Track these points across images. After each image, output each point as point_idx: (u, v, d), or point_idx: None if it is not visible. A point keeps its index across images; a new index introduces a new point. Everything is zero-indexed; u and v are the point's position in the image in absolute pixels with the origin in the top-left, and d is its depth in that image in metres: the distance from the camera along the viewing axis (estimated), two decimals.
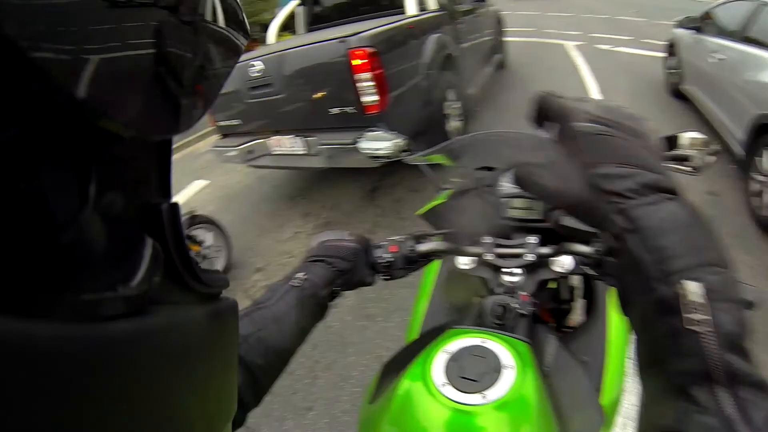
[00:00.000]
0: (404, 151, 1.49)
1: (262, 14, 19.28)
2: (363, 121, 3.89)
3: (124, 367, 0.24)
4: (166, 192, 0.33)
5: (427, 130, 4.32)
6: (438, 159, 1.52)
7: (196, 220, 4.26)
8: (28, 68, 0.18)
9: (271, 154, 4.77)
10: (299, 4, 6.37)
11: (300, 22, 6.63)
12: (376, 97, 3.79)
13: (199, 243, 4.26)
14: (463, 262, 1.09)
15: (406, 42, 4.22)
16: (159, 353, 0.27)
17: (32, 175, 0.20)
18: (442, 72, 4.65)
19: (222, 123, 5.17)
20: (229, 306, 0.37)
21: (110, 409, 0.23)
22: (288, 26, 6.82)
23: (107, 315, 0.24)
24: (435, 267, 1.37)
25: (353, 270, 1.00)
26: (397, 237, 1.09)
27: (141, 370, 0.25)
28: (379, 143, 1.51)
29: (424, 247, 1.08)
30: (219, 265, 4.48)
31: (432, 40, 4.60)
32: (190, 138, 10.40)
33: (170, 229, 0.31)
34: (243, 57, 4.42)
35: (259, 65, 4.34)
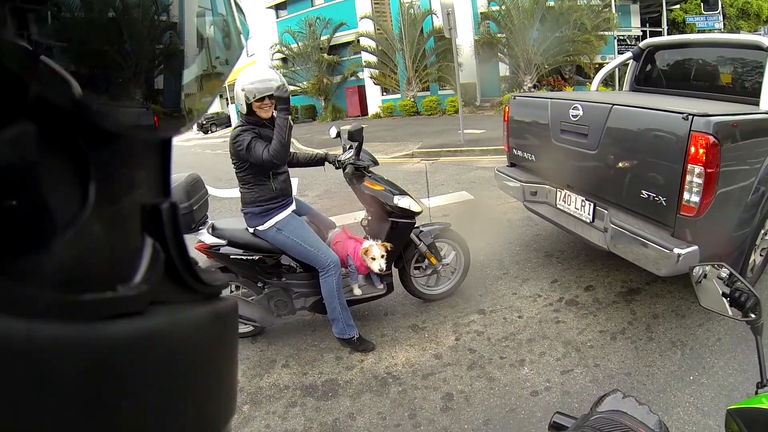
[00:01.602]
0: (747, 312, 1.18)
1: (580, 56, 19.00)
2: (670, 219, 3.28)
3: (124, 367, 0.24)
4: (166, 192, 0.33)
5: (728, 255, 3.51)
6: None
7: (447, 233, 4.11)
8: (32, 68, 0.20)
9: (554, 206, 4.38)
10: (630, 58, 5.73)
11: (625, 78, 5.98)
12: (698, 199, 3.10)
13: (440, 257, 4.10)
14: None
15: (750, 142, 3.39)
16: (159, 353, 0.27)
17: (32, 175, 0.21)
18: None
19: (515, 151, 4.92)
20: (229, 306, 0.37)
21: (111, 408, 0.24)
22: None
23: (107, 315, 0.24)
24: None
25: None
26: None
27: (141, 370, 0.26)
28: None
29: None
30: (446, 286, 4.30)
31: None
32: (474, 149, 10.57)
33: (170, 229, 0.31)
34: (565, 95, 4.15)
35: (579, 110, 3.92)
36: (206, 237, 3.52)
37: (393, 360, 3.61)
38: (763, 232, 3.81)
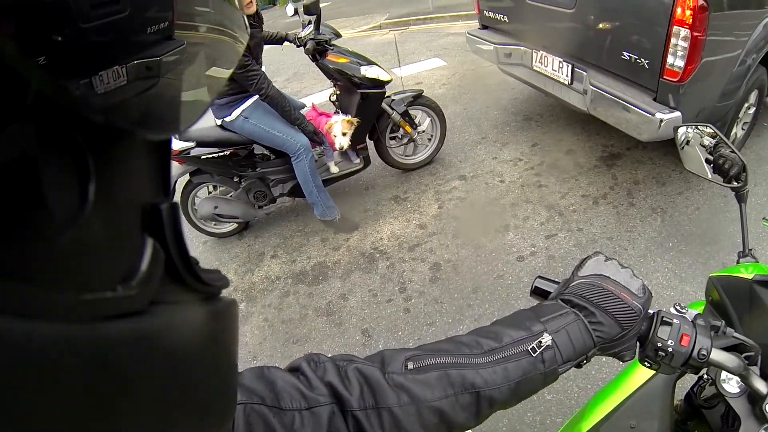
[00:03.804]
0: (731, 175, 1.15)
1: None
2: (653, 83, 3.17)
3: (124, 367, 0.25)
4: (166, 191, 0.33)
5: (712, 124, 3.42)
6: None
7: (420, 100, 4.00)
8: (31, 66, 0.19)
9: (530, 68, 4.20)
10: None
11: None
12: (682, 63, 2.98)
13: (415, 125, 4.01)
14: (732, 389, 0.87)
15: (739, 10, 3.24)
16: (159, 353, 0.27)
17: (32, 175, 0.21)
18: (759, 66, 3.58)
19: (487, 13, 4.66)
20: (229, 306, 0.36)
21: (110, 409, 0.24)
22: None
23: (107, 315, 0.24)
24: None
25: (619, 340, 0.72)
26: (690, 315, 0.77)
27: (141, 370, 0.26)
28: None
29: (718, 356, 0.74)
30: (423, 154, 4.27)
31: (766, 21, 3.42)
32: (444, 15, 10.15)
33: (170, 228, 0.30)
34: None
35: None
36: (173, 143, 3.37)
37: (378, 235, 3.64)
38: (746, 105, 3.73)
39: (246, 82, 3.16)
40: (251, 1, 3.10)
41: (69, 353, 0.21)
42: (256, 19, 3.25)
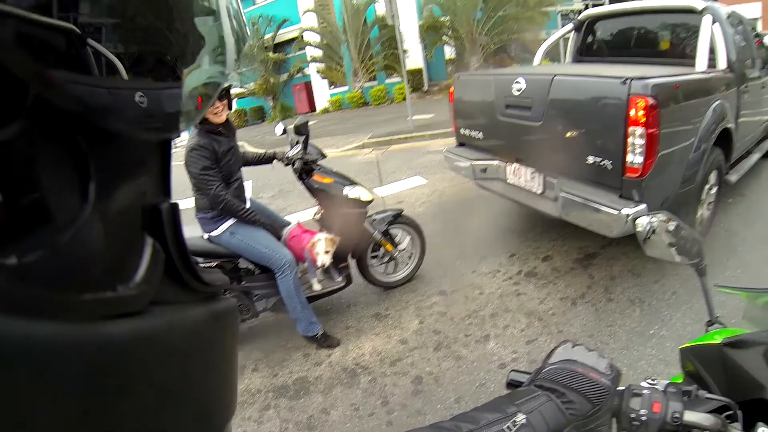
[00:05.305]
0: (683, 249, 1.20)
1: (524, 33, 19.03)
2: (617, 181, 3.37)
3: (123, 367, 0.25)
4: (166, 192, 0.33)
5: (676, 211, 3.58)
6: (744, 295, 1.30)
7: (400, 219, 4.13)
8: (31, 67, 0.20)
9: (504, 181, 4.42)
10: (572, 30, 5.84)
11: (568, 50, 6.07)
12: (641, 159, 3.20)
13: (395, 243, 4.12)
14: None
15: (688, 102, 3.54)
16: (158, 352, 0.28)
17: (32, 175, 0.21)
18: (713, 148, 3.86)
19: (463, 131, 4.94)
20: (229, 306, 0.37)
21: (110, 407, 0.24)
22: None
23: (107, 315, 0.25)
24: None
25: (593, 417, 0.75)
26: (661, 385, 0.82)
27: (140, 369, 0.26)
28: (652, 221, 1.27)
29: (692, 417, 0.77)
30: (404, 272, 4.33)
31: (714, 106, 3.79)
32: (424, 133, 10.61)
33: (170, 229, 0.31)
34: (508, 71, 4.24)
35: (522, 84, 3.96)
36: None
37: (360, 351, 3.62)
38: (707, 187, 3.97)
39: (205, 186, 3.15)
40: (223, 108, 3.15)
41: (69, 353, 0.22)
42: (225, 128, 3.25)
